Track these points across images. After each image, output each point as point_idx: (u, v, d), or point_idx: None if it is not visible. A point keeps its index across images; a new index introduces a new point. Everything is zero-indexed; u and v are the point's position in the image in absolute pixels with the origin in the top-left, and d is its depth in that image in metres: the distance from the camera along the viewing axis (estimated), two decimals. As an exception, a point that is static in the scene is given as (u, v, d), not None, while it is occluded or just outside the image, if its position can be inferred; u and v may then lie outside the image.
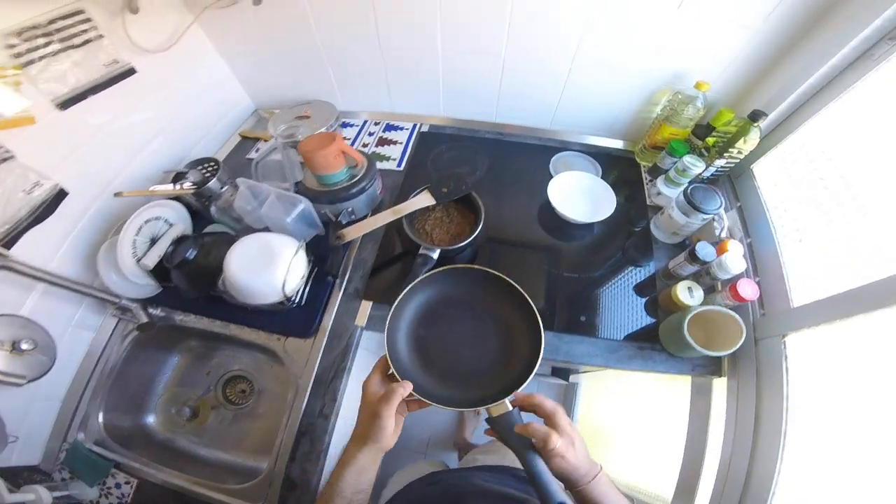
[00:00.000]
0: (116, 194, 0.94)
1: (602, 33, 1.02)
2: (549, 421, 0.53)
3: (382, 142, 1.34)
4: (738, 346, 0.80)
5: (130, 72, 1.02)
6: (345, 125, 1.40)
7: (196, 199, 1.10)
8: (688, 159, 1.04)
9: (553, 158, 1.25)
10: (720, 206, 0.95)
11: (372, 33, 1.14)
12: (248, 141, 1.38)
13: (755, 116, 0.95)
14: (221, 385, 1.17)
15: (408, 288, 0.66)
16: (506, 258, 1.08)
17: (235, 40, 1.23)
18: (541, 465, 0.51)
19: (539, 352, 0.60)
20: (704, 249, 0.91)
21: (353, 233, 0.97)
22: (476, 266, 0.68)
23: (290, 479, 0.83)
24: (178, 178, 1.11)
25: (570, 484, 0.51)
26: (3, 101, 0.78)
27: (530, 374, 0.58)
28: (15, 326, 0.84)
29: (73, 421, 0.95)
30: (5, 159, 0.80)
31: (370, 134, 1.37)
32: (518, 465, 0.54)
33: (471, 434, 1.77)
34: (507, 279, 0.66)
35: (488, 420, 0.56)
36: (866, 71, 0.82)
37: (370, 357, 0.96)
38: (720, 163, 1.05)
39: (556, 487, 0.50)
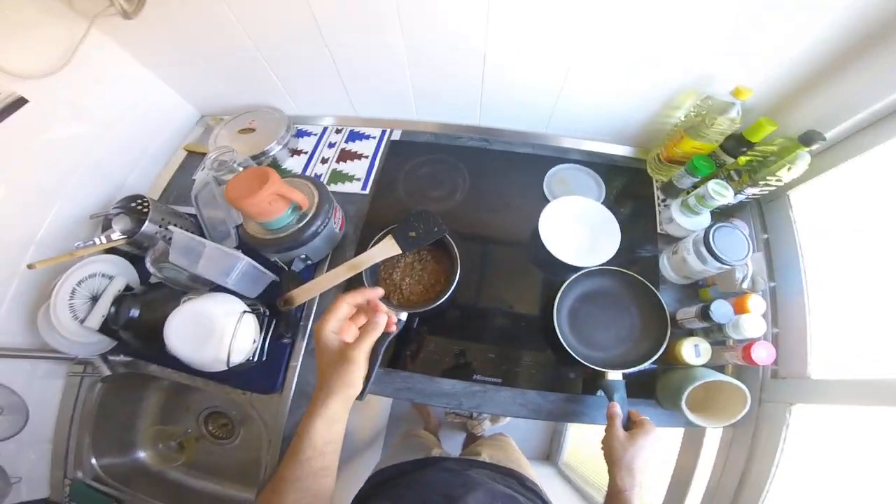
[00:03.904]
0: (29, 266, 0.80)
1: (612, 21, 0.78)
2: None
3: (345, 155, 1.13)
4: (738, 419, 0.72)
5: (20, 102, 0.83)
6: (300, 134, 1.19)
7: (133, 248, 0.95)
8: (713, 186, 0.84)
9: (548, 174, 1.04)
10: (747, 256, 0.77)
11: (311, 27, 0.91)
12: (195, 156, 1.19)
13: (809, 139, 0.74)
14: (203, 420, 1.14)
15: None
16: (489, 298, 0.94)
17: (153, 49, 1.02)
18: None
19: (655, 353, 0.79)
20: (720, 310, 0.77)
21: (302, 296, 0.81)
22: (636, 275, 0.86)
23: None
24: (107, 225, 0.96)
25: (621, 477, 0.62)
26: None
27: (641, 365, 0.79)
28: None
29: (68, 459, 0.95)
30: None
31: (331, 145, 1.16)
32: (523, 471, 0.84)
33: (436, 425, 1.87)
34: (656, 292, 0.85)
35: (601, 382, 0.78)
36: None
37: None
38: (753, 191, 0.84)
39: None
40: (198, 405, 1.14)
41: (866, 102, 0.71)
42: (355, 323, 0.58)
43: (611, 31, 0.80)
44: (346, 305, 0.57)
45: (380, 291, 0.60)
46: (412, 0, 0.81)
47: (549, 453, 1.86)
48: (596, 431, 0.74)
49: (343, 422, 0.54)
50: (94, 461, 0.97)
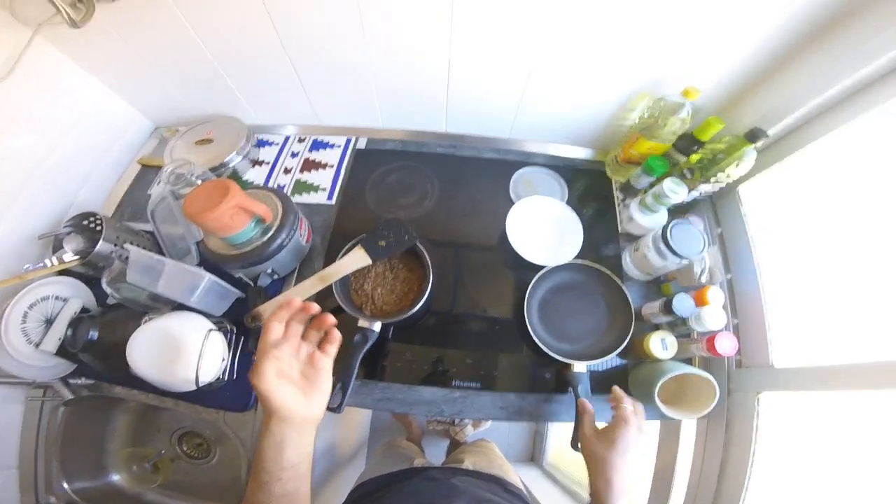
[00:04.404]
0: None
1: (570, 26, 0.80)
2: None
3: (309, 165, 1.11)
4: (709, 410, 0.74)
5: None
6: (261, 143, 1.15)
7: (87, 269, 0.90)
8: (667, 185, 0.87)
9: (513, 177, 1.06)
10: (703, 250, 0.81)
11: (270, 33, 0.88)
12: (150, 170, 1.14)
13: (754, 136, 0.78)
14: (176, 440, 1.12)
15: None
16: (464, 303, 0.94)
17: (103, 58, 0.96)
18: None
19: (620, 345, 0.82)
20: (682, 304, 0.80)
21: (270, 311, 0.79)
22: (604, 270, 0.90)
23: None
24: (58, 245, 0.91)
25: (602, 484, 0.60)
26: None
27: (606, 356, 0.82)
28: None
29: (38, 484, 0.91)
30: None
31: (293, 154, 1.13)
32: (506, 476, 0.85)
33: (419, 434, 1.87)
34: (621, 285, 0.88)
35: (566, 374, 0.82)
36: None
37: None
38: (705, 188, 0.88)
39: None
40: (169, 425, 1.11)
41: (804, 99, 0.75)
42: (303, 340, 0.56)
43: (568, 37, 0.82)
44: (276, 325, 0.54)
45: (314, 307, 0.58)
46: (375, 6, 0.81)
47: (533, 455, 1.88)
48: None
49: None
50: (65, 485, 0.93)
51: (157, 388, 0.82)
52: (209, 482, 1.08)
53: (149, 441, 1.10)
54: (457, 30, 0.84)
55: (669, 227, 0.81)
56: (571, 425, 0.76)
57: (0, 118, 0.86)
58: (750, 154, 0.80)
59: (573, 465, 1.49)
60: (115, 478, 1.06)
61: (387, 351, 0.90)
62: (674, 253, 0.80)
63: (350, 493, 0.83)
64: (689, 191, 0.90)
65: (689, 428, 0.88)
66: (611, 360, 0.87)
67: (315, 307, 0.58)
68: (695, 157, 0.89)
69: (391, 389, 0.86)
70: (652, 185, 0.95)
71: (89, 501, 0.94)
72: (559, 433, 1.71)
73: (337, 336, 0.57)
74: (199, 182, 0.93)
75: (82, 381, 0.90)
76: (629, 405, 0.66)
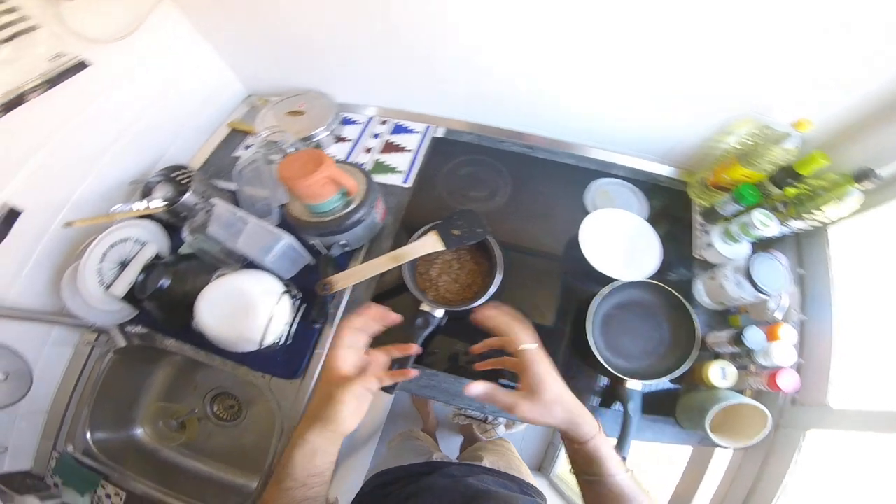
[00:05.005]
0: (66, 224, 0.79)
1: (677, 43, 0.79)
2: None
3: (389, 147, 1.13)
4: (756, 441, 0.72)
5: (80, 66, 0.84)
6: (346, 122, 1.19)
7: (170, 216, 0.95)
8: (758, 216, 0.83)
9: (591, 186, 1.04)
10: (785, 288, 0.78)
11: (376, 24, 0.92)
12: (238, 134, 1.19)
13: (863, 176, 0.73)
14: (209, 400, 1.12)
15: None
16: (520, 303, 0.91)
17: (216, 22, 1.02)
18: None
19: (679, 368, 0.79)
20: (753, 337, 0.77)
21: (343, 282, 0.82)
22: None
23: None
24: (147, 191, 0.96)
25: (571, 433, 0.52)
26: None
27: (662, 377, 0.80)
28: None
29: (61, 431, 0.91)
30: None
31: (375, 136, 1.16)
32: (525, 479, 0.84)
33: (434, 425, 1.84)
34: (692, 312, 0.84)
35: (619, 389, 0.79)
36: None
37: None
38: (796, 224, 0.84)
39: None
40: (206, 384, 1.12)
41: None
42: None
43: (676, 54, 0.81)
44: (355, 335, 0.56)
45: (396, 317, 0.58)
46: (477, 10, 0.82)
47: (542, 464, 1.82)
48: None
49: (328, 454, 0.51)
50: (88, 435, 0.93)
51: (210, 345, 0.83)
52: (230, 446, 1.08)
53: (181, 398, 1.12)
54: (555, 37, 0.84)
55: (754, 261, 0.77)
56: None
57: (118, 71, 0.92)
58: (854, 195, 0.75)
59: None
60: (138, 431, 1.06)
61: (438, 338, 0.89)
62: (756, 288, 0.77)
63: (368, 481, 0.83)
64: (779, 225, 0.86)
65: (722, 456, 0.87)
66: (662, 383, 0.85)
67: (393, 317, 0.58)
68: (791, 191, 0.85)
69: (437, 378, 0.86)
70: (738, 214, 0.91)
71: (105, 452, 0.94)
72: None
73: (410, 375, 0.57)
74: (291, 150, 0.97)
75: (138, 328, 0.93)
76: (518, 331, 0.57)
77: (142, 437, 1.06)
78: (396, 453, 1.03)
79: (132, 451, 1.02)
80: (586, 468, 0.52)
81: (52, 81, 0.80)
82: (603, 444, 0.51)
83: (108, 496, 0.88)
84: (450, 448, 1.75)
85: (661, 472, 1.05)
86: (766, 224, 0.83)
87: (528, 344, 0.56)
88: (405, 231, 1.00)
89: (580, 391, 0.85)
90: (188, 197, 0.93)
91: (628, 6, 0.75)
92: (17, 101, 0.75)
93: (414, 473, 0.79)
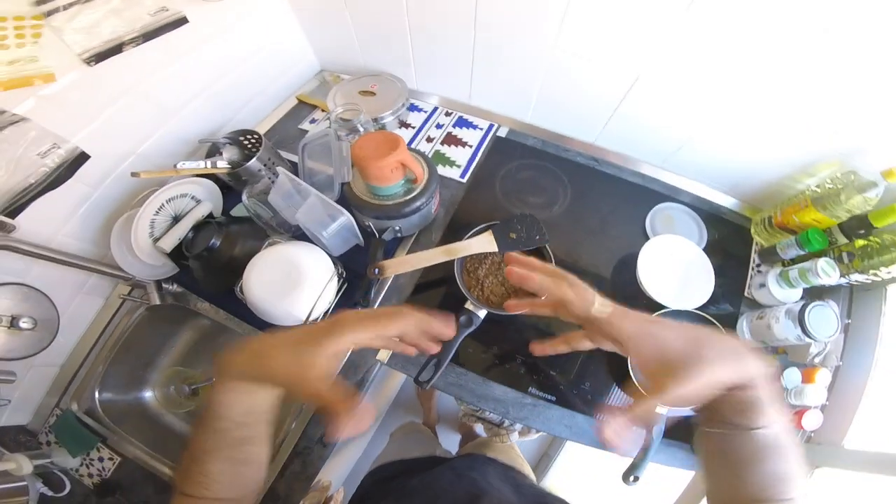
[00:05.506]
0: (133, 174, 0.81)
1: (774, 80, 0.76)
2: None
3: (450, 140, 1.13)
4: None
5: (181, 21, 0.87)
6: (412, 108, 1.19)
7: (230, 178, 0.97)
8: (822, 265, 0.80)
9: (654, 209, 1.01)
10: (834, 336, 0.76)
11: (469, 21, 0.91)
12: (305, 106, 1.21)
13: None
14: None
15: None
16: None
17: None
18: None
19: None
20: (791, 378, 0.81)
21: (394, 269, 0.82)
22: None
23: (275, 492, 0.80)
24: (213, 151, 0.98)
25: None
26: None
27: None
28: (17, 298, 0.76)
29: (70, 387, 0.91)
30: (14, 122, 0.68)
31: (438, 126, 1.16)
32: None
33: (435, 420, 1.81)
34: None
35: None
36: None
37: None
38: (858, 277, 0.81)
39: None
40: None
41: None
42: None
43: (775, 91, 0.78)
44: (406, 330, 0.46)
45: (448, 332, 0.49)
46: (575, 17, 0.81)
47: (535, 474, 1.81)
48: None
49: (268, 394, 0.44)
50: (96, 394, 0.91)
51: (245, 313, 0.82)
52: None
53: (199, 365, 1.11)
54: (660, 49, 0.81)
55: (809, 308, 0.76)
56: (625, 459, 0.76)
57: (210, 31, 0.95)
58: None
59: (569, 495, 1.42)
60: (148, 394, 1.04)
61: (475, 340, 0.89)
62: (808, 335, 0.75)
63: (372, 472, 0.84)
64: (840, 276, 0.82)
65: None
66: (686, 410, 0.82)
67: (449, 333, 0.49)
68: (860, 242, 0.81)
69: (466, 377, 0.86)
70: (798, 259, 0.88)
71: (109, 413, 0.91)
72: (569, 457, 1.61)
73: (429, 349, 0.50)
74: (363, 130, 0.97)
75: (174, 287, 0.94)
76: (577, 292, 0.45)
77: (149, 401, 1.04)
78: (401, 445, 1.03)
79: (135, 414, 1.00)
80: (737, 418, 0.39)
81: (149, 35, 0.82)
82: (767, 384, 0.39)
83: (100, 459, 0.86)
84: (448, 445, 1.74)
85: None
86: (829, 273, 0.80)
87: (600, 304, 0.44)
88: (455, 225, 1.00)
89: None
90: (253, 163, 0.95)
91: (733, 41, 0.74)
92: (114, 49, 0.78)
93: (416, 467, 0.80)
